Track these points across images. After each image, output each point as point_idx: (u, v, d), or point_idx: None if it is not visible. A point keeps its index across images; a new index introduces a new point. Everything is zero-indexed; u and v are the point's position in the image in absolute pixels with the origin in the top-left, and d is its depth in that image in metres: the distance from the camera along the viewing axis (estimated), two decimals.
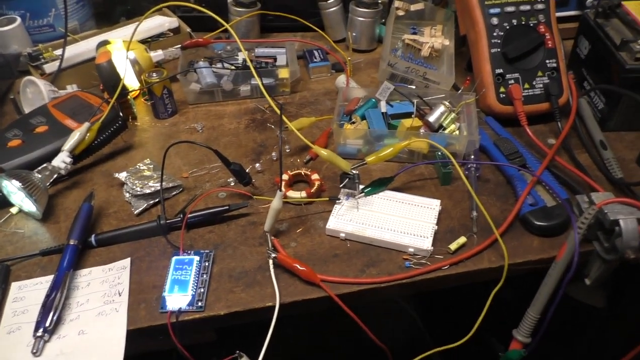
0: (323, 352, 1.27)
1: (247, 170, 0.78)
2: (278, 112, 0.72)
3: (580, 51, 0.92)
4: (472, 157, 0.79)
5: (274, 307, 0.63)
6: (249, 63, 0.76)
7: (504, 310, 0.71)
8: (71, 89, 0.95)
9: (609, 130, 0.84)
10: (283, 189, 0.75)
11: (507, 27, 0.85)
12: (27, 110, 0.90)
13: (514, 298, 0.73)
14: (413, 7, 0.97)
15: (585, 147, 0.82)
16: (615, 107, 0.82)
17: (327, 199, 0.75)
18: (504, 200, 0.75)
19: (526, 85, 0.85)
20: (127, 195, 0.78)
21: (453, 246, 0.68)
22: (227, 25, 0.77)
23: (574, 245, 0.65)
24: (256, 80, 0.84)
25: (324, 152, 0.72)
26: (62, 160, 0.76)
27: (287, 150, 0.85)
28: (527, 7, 0.86)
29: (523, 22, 0.86)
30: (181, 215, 0.72)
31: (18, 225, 0.75)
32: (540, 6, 0.86)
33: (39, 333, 0.60)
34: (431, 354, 0.68)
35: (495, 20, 0.85)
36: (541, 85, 0.85)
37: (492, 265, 0.67)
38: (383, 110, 0.85)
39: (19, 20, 1.04)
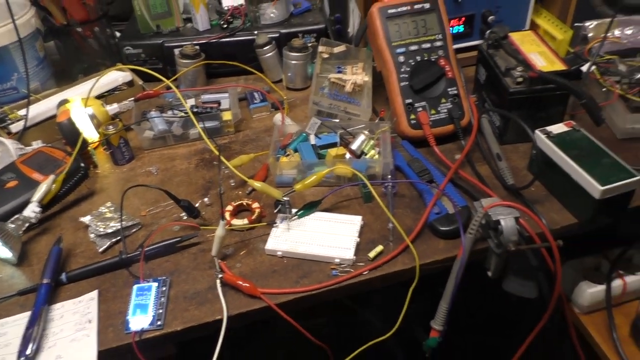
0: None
1: (196, 205, 0.89)
2: (217, 154, 0.84)
3: (480, 77, 1.07)
4: (390, 176, 0.92)
5: (222, 319, 0.74)
6: (188, 112, 0.88)
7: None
8: (37, 144, 1.05)
9: (506, 144, 0.98)
10: (228, 217, 0.87)
11: (413, 63, 0.99)
12: None
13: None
14: (336, 50, 1.11)
15: (485, 159, 0.96)
16: (507, 123, 0.96)
17: (266, 223, 0.87)
18: (417, 212, 0.88)
19: (432, 111, 0.99)
20: (92, 235, 0.88)
21: (372, 254, 0.80)
22: (167, 82, 0.90)
23: (468, 245, 0.78)
24: (203, 124, 0.97)
25: (257, 185, 0.85)
26: (32, 210, 0.87)
27: (233, 184, 0.97)
28: (428, 45, 1.00)
29: (426, 58, 0.99)
30: (140, 249, 0.83)
31: None
32: (439, 43, 1.00)
33: None
34: (371, 345, 0.79)
35: (402, 58, 0.99)
36: (445, 110, 0.99)
37: (405, 267, 0.79)
38: (312, 142, 0.98)
39: None
